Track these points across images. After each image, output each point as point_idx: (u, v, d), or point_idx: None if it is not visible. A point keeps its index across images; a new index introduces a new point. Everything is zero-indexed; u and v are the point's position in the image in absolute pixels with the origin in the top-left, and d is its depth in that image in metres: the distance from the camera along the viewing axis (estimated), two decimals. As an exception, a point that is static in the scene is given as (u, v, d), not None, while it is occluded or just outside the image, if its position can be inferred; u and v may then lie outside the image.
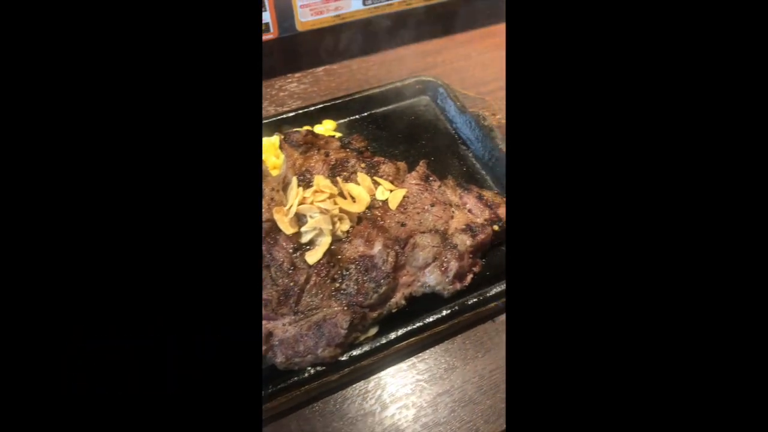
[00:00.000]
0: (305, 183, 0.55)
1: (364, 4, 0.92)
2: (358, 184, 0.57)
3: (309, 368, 0.47)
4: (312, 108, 0.71)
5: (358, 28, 0.94)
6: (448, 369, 0.53)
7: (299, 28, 0.90)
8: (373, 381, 0.52)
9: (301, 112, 0.71)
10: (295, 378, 0.47)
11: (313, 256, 0.50)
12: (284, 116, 0.71)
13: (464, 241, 0.54)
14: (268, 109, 0.78)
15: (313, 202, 0.52)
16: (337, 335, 0.46)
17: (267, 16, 0.86)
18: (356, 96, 0.73)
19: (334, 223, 0.52)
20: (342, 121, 0.72)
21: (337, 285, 0.49)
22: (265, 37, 0.88)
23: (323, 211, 0.51)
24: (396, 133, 0.71)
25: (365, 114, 0.74)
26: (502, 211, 0.58)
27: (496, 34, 0.96)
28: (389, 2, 0.95)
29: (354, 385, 0.52)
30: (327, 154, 0.59)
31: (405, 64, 0.89)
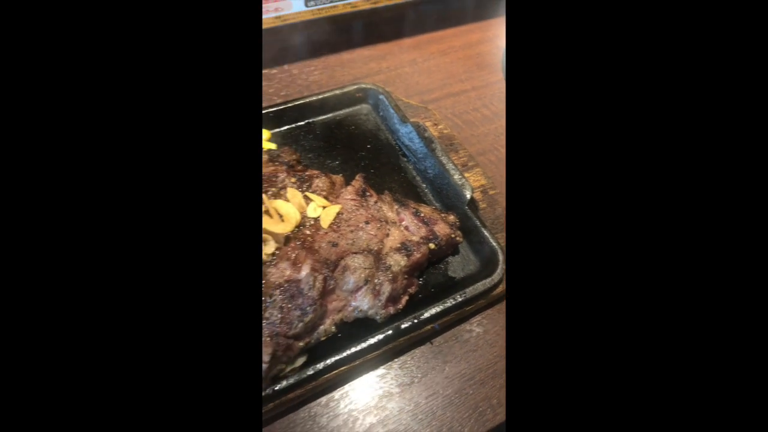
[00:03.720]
0: (228, 201, 0.51)
1: (306, 5, 0.88)
2: (288, 200, 0.53)
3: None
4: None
5: (300, 30, 0.90)
6: (383, 397, 0.51)
7: (236, 29, 0.85)
8: (302, 412, 0.49)
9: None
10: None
11: (233, 283, 0.46)
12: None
13: (398, 262, 0.51)
14: (199, 116, 0.73)
15: (234, 224, 0.47)
16: (256, 370, 0.42)
17: (199, 16, 0.81)
18: (293, 104, 0.69)
19: (257, 246, 0.48)
20: (277, 130, 0.68)
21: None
22: (199, 38, 0.83)
23: (244, 234, 0.47)
24: (335, 144, 0.68)
25: (302, 123, 0.70)
26: (438, 228, 0.55)
27: (443, 40, 0.95)
28: (333, 4, 0.91)
29: (284, 417, 0.48)
30: (253, 169, 0.55)
31: (348, 70, 0.85)
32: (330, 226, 0.53)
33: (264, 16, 0.87)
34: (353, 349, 0.47)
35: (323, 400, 0.50)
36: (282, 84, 0.81)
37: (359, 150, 0.68)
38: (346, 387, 0.51)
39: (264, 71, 0.83)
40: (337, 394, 0.50)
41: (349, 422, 0.49)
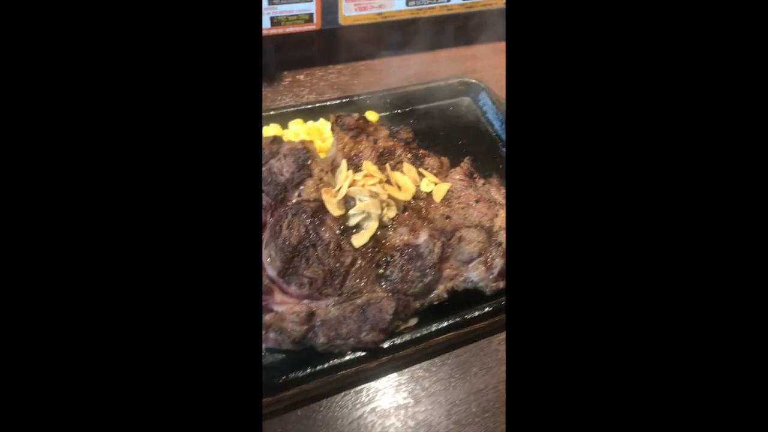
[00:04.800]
0: (354, 167, 0.55)
1: (407, 4, 0.93)
2: (404, 173, 0.57)
3: (347, 353, 0.46)
4: (356, 98, 0.71)
5: (400, 27, 0.94)
6: (482, 368, 0.52)
7: (342, 22, 0.90)
8: (407, 373, 0.51)
9: (345, 100, 0.70)
10: (333, 361, 0.46)
11: (359, 239, 0.49)
12: (326, 104, 0.70)
13: (509, 240, 0.53)
14: (308, 97, 0.78)
15: (364, 185, 0.51)
16: (381, 320, 0.45)
17: (312, 7, 0.86)
18: (399, 90, 0.73)
19: (381, 209, 0.51)
20: (384, 114, 0.72)
21: (382, 271, 0.49)
22: (308, 27, 0.89)
23: (373, 195, 0.50)
24: (437, 131, 0.71)
25: (407, 110, 0.74)
26: (546, 214, 0.57)
27: (534, 47, 0.97)
28: (431, 5, 0.95)
29: (388, 376, 0.51)
30: (375, 141, 0.58)
31: (443, 67, 0.89)
32: (442, 202, 0.55)
33: (368, 12, 0.92)
34: (465, 317, 0.49)
35: (425, 364, 0.52)
36: (382, 75, 0.85)
37: (460, 138, 0.71)
38: (446, 354, 0.53)
39: (366, 62, 0.88)
40: (438, 360, 0.52)
41: (450, 387, 0.51)
